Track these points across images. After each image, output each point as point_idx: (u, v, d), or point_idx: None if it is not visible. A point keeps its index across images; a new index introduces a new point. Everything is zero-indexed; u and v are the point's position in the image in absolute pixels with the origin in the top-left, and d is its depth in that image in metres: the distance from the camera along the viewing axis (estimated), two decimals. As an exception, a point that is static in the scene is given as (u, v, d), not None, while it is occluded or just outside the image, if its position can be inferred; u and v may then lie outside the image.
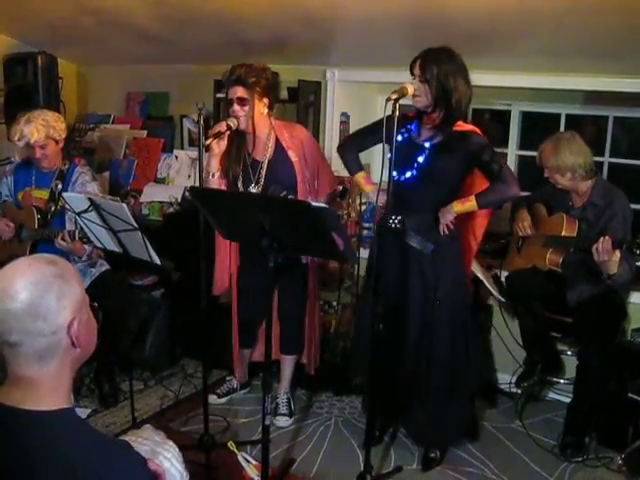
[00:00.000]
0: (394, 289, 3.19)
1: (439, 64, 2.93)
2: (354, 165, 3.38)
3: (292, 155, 3.46)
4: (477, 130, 3.13)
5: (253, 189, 3.47)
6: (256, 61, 3.40)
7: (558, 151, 3.40)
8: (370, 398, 3.36)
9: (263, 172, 3.46)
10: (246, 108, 3.32)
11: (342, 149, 3.46)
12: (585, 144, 3.44)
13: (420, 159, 3.10)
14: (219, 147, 3.31)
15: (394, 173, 3.07)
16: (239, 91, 3.30)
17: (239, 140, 3.46)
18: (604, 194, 3.45)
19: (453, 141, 3.06)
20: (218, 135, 3.20)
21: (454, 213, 3.11)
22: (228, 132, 3.26)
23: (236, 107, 3.32)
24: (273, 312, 3.53)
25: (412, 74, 3.00)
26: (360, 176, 3.36)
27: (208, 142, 3.12)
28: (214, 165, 3.38)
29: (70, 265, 1.49)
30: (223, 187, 3.46)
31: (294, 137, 3.50)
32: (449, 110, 3.00)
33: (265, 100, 3.39)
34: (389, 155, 3.13)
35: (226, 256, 3.68)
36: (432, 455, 3.35)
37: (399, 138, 3.13)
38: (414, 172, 3.11)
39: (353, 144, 3.42)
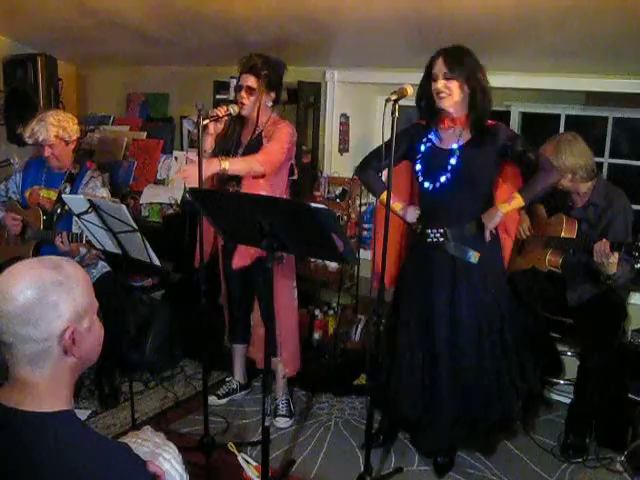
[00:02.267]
0: (446, 303, 3.10)
1: (465, 60, 2.87)
2: (377, 186, 3.22)
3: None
4: (500, 123, 3.05)
5: None
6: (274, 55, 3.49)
7: (559, 152, 3.39)
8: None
9: (238, 153, 3.52)
10: (252, 98, 3.41)
11: (362, 173, 3.31)
12: (586, 145, 3.44)
13: (453, 161, 2.99)
14: (215, 129, 3.40)
15: (427, 184, 3.03)
16: (250, 80, 3.40)
17: (239, 125, 3.53)
18: (605, 194, 3.45)
19: (482, 137, 2.97)
20: (216, 119, 3.25)
21: (502, 215, 2.99)
22: (225, 118, 3.33)
23: (243, 94, 3.41)
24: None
25: (431, 75, 2.93)
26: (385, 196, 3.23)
27: (205, 122, 3.13)
28: (207, 144, 3.45)
29: (79, 271, 1.47)
30: None
31: (273, 132, 3.47)
32: (478, 107, 2.91)
33: (272, 94, 3.48)
34: (418, 167, 3.10)
35: (209, 231, 3.59)
36: (439, 460, 3.31)
37: (422, 148, 3.09)
38: (448, 175, 2.99)
39: (372, 166, 3.22)
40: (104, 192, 3.78)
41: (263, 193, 3.34)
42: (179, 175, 3.21)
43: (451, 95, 2.91)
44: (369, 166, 3.26)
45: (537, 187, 3.00)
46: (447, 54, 2.90)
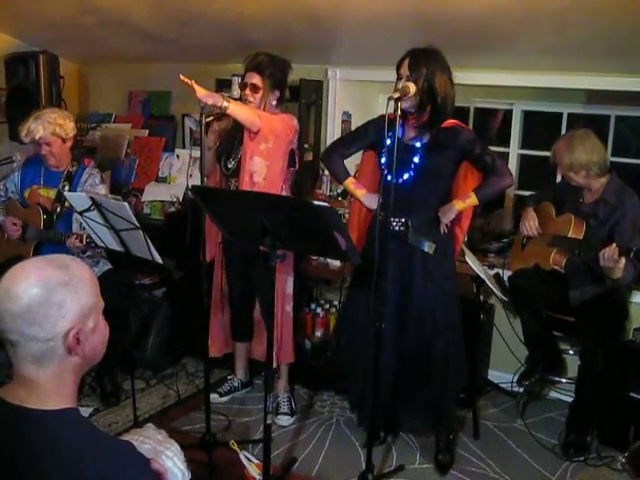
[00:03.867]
0: (398, 289, 3.19)
1: (427, 64, 2.94)
2: (341, 172, 3.36)
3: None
4: (462, 124, 3.19)
5: (229, 164, 3.58)
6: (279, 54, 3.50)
7: (572, 149, 3.39)
8: (361, 401, 3.36)
9: (240, 150, 3.52)
10: (257, 95, 3.43)
11: (326, 158, 3.43)
12: (599, 141, 3.44)
13: (416, 159, 3.11)
14: (219, 126, 3.46)
15: (390, 178, 3.07)
16: (254, 78, 3.42)
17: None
18: (617, 192, 3.43)
19: (442, 138, 3.08)
20: (220, 115, 3.25)
21: (456, 211, 3.15)
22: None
23: (248, 92, 3.44)
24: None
25: (398, 74, 3.00)
26: (349, 182, 3.33)
27: (208, 119, 3.15)
28: (211, 140, 3.51)
29: (86, 271, 1.46)
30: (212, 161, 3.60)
31: (272, 133, 3.44)
32: (436, 109, 3.01)
33: (277, 92, 3.50)
34: (382, 159, 3.14)
35: (213, 225, 3.62)
36: (440, 457, 3.33)
37: (387, 142, 3.13)
38: (411, 173, 3.12)
39: (337, 152, 3.37)
40: (103, 189, 3.77)
41: (261, 173, 3.41)
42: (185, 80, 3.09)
43: (409, 96, 2.93)
44: (335, 152, 3.38)
45: (490, 190, 3.18)
46: (412, 56, 2.97)
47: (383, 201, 2.90)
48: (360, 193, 3.31)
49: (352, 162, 3.56)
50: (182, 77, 3.00)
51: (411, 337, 3.22)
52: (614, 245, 3.09)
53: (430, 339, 3.21)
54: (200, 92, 3.03)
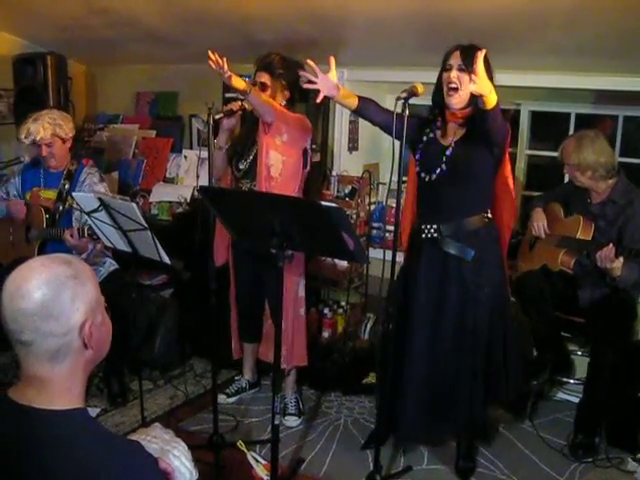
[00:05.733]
0: (433, 297, 3.08)
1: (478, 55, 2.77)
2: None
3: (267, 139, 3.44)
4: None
5: (241, 165, 3.57)
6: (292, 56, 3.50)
7: (580, 149, 3.38)
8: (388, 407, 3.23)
9: (253, 151, 3.53)
10: (265, 94, 3.39)
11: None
12: (608, 144, 3.43)
13: (448, 152, 2.97)
14: (229, 124, 3.43)
15: (423, 174, 3.02)
16: (264, 77, 3.44)
17: (252, 122, 3.53)
18: (625, 193, 3.43)
19: (474, 132, 2.93)
20: (229, 113, 3.27)
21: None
22: (239, 112, 3.33)
23: None
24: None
25: (446, 65, 2.88)
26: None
27: (218, 117, 3.17)
28: (222, 139, 3.51)
29: (86, 266, 1.48)
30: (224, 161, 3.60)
31: (285, 126, 3.44)
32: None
33: (286, 93, 3.50)
34: (417, 156, 3.07)
35: (223, 229, 3.53)
36: (461, 463, 3.29)
37: (424, 139, 3.08)
38: (443, 167, 2.97)
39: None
40: (102, 187, 3.78)
41: (277, 168, 3.41)
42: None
43: (460, 89, 2.84)
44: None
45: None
46: (464, 48, 2.85)
47: (418, 205, 2.82)
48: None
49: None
50: (210, 53, 2.98)
51: (444, 348, 3.10)
52: (610, 245, 3.09)
53: (461, 350, 3.08)
54: (228, 72, 3.04)
